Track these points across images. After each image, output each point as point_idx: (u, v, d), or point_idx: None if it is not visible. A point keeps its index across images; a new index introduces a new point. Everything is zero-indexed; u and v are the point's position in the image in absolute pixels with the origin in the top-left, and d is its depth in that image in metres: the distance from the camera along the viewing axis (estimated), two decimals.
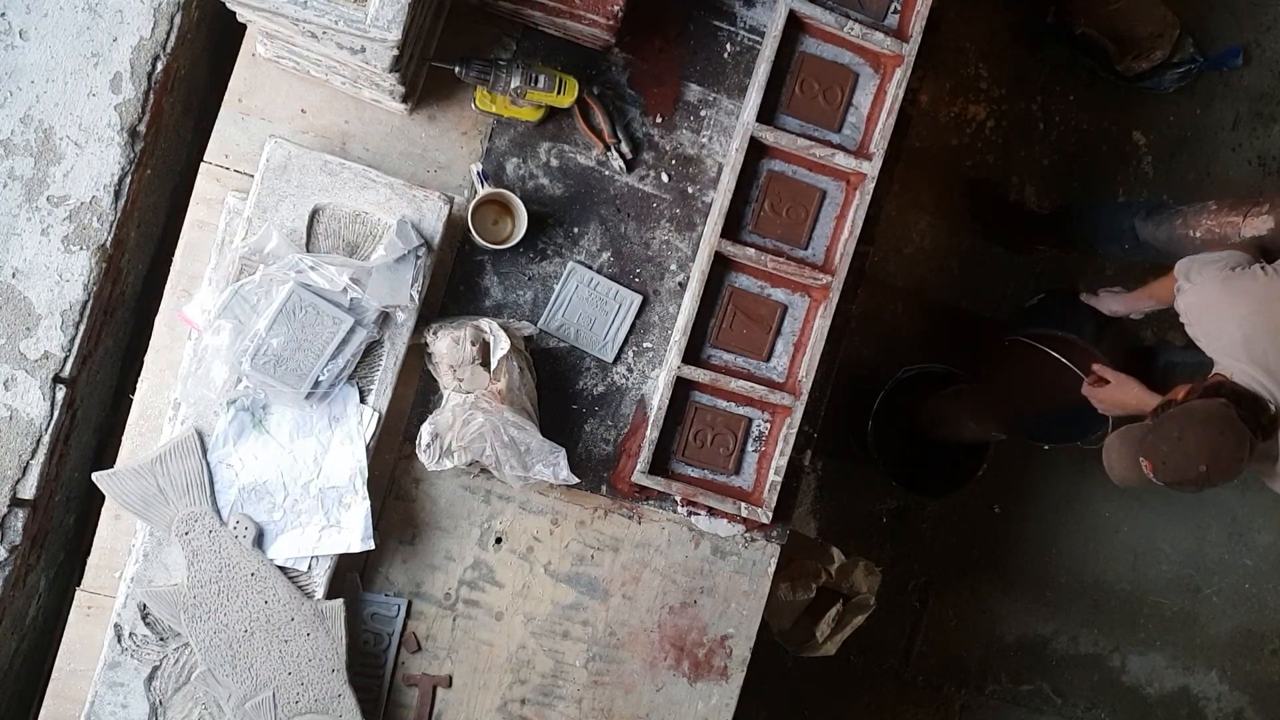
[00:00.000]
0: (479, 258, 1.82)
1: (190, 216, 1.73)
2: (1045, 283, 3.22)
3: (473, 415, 1.67)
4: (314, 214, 1.64)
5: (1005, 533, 3.30)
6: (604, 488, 1.88)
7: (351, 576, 1.78)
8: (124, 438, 1.73)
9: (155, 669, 1.66)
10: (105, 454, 1.90)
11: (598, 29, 1.71)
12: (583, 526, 1.89)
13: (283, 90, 1.74)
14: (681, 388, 1.86)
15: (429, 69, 1.74)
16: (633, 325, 1.87)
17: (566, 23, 1.72)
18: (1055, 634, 3.38)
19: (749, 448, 1.92)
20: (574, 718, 1.90)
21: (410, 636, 1.83)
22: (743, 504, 1.87)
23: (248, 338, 1.58)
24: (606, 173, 1.86)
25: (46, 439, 1.67)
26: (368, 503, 1.68)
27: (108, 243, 1.68)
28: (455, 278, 1.81)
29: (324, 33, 1.48)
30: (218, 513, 1.64)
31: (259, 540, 1.65)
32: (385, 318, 1.66)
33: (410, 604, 1.82)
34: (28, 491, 1.67)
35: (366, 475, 1.68)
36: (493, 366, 1.69)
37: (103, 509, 1.73)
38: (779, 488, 1.88)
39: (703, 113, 1.88)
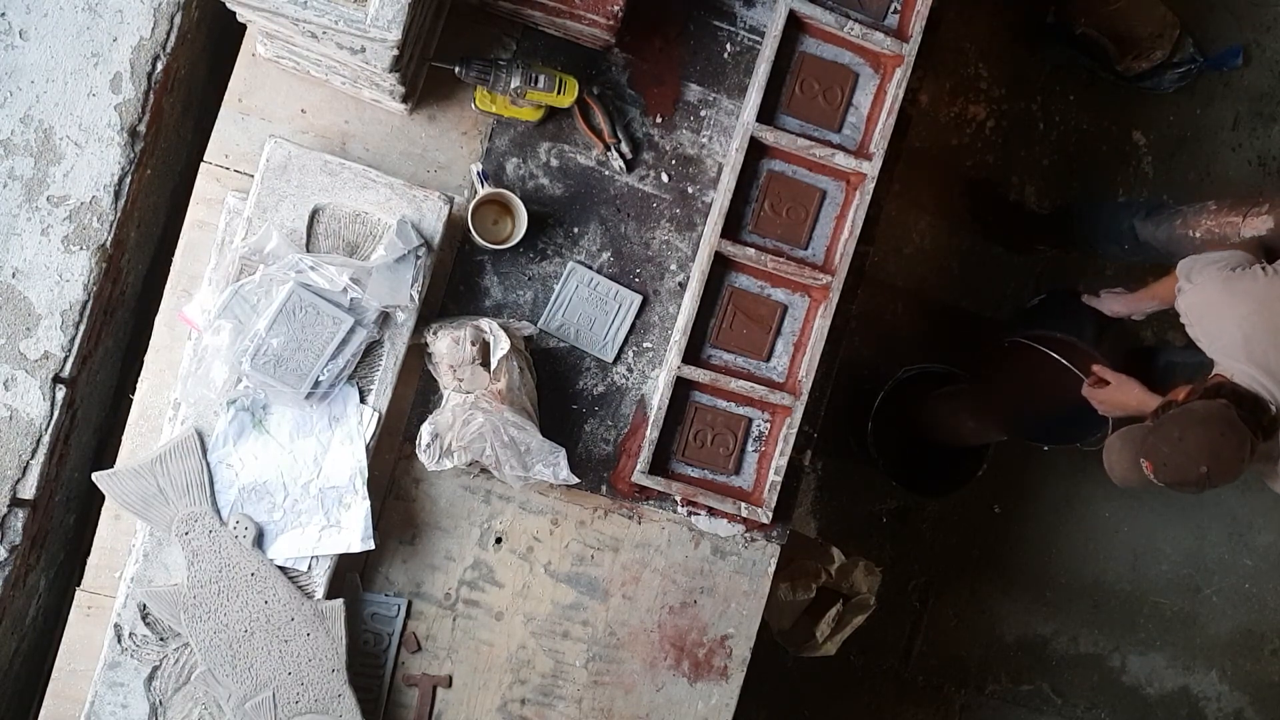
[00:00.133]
0: (479, 258, 1.82)
1: (190, 216, 1.73)
2: (1045, 283, 3.22)
3: (473, 415, 1.67)
4: (314, 214, 1.64)
5: (1005, 533, 3.31)
6: (604, 488, 1.88)
7: (351, 576, 1.78)
8: (124, 438, 1.73)
9: (155, 669, 1.66)
10: (105, 454, 1.90)
11: (598, 29, 1.71)
12: (583, 526, 1.89)
13: (283, 90, 1.74)
14: (681, 388, 1.86)
15: (429, 69, 1.74)
16: (633, 325, 1.87)
17: (566, 23, 1.72)
18: (1055, 634, 3.38)
19: (749, 448, 1.92)
20: (574, 718, 1.90)
21: (410, 636, 1.83)
22: (743, 504, 1.87)
23: (248, 338, 1.58)
24: (606, 173, 1.86)
25: (46, 439, 1.67)
26: (368, 503, 1.68)
27: (108, 243, 1.68)
28: (455, 278, 1.81)
29: (324, 33, 1.48)
30: (218, 513, 1.64)
31: (259, 540, 1.65)
32: (385, 318, 1.66)
33: (410, 604, 1.82)
34: (28, 491, 1.67)
35: (366, 475, 1.68)
36: (493, 366, 1.69)
37: (103, 509, 1.73)
38: (779, 488, 1.88)
39: (703, 113, 1.88)
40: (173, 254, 1.74)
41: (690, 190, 1.89)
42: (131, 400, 1.74)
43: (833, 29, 1.82)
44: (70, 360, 1.68)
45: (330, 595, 1.70)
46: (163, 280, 1.74)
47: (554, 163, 1.84)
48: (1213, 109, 3.33)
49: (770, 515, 1.87)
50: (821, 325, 1.86)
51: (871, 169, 1.84)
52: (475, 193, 1.76)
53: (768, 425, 1.91)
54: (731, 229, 1.84)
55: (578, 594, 1.89)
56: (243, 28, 1.69)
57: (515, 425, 1.67)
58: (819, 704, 3.19)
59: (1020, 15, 3.19)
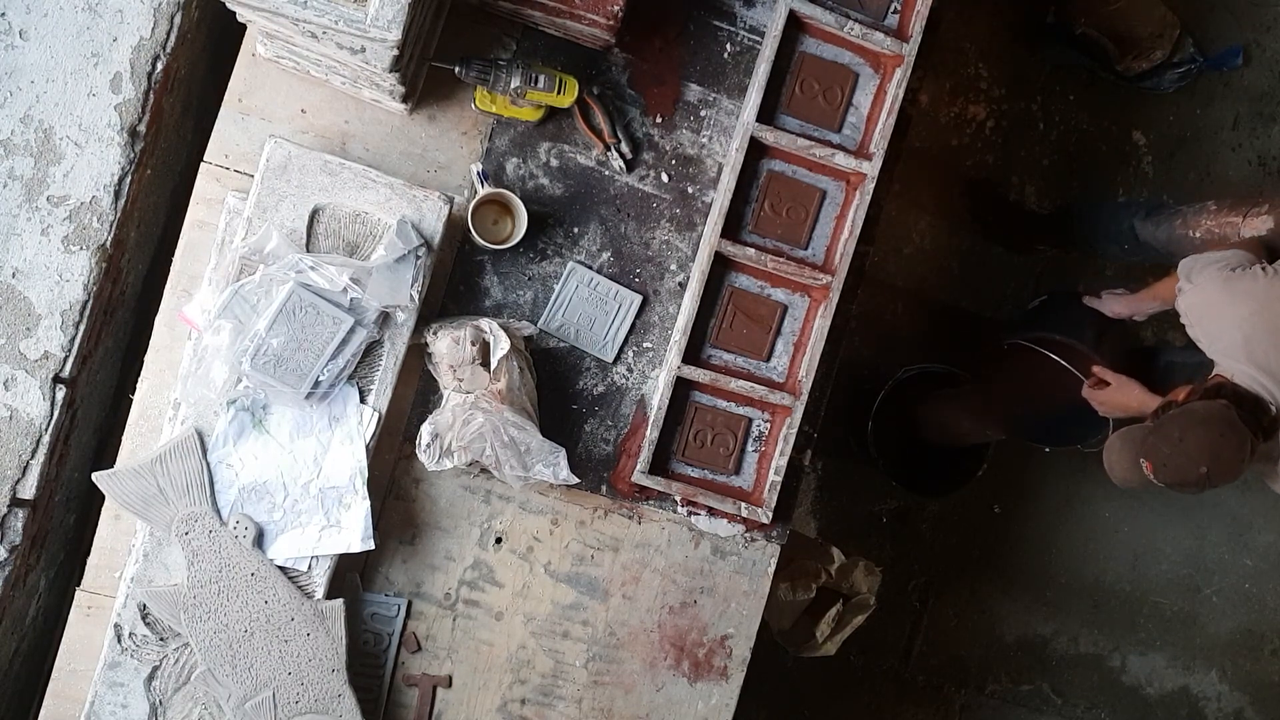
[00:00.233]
0: (479, 258, 1.82)
1: (190, 216, 1.73)
2: (1045, 283, 3.22)
3: (473, 415, 1.67)
4: (314, 214, 1.64)
5: (1005, 533, 3.30)
6: (604, 488, 1.88)
7: (351, 576, 1.78)
8: (124, 438, 1.73)
9: (155, 669, 1.66)
10: (105, 454, 1.90)
11: (598, 29, 1.71)
12: (583, 526, 1.89)
13: (283, 90, 1.74)
14: (681, 388, 1.86)
15: (429, 69, 1.74)
16: (633, 325, 1.87)
17: (566, 23, 1.72)
18: (1055, 634, 3.38)
19: (749, 448, 1.92)
20: (574, 718, 1.90)
21: (410, 636, 1.83)
22: (743, 504, 1.87)
23: (248, 338, 1.58)
24: (606, 173, 1.86)
25: (46, 439, 1.67)
26: (368, 503, 1.68)
27: (108, 243, 1.68)
28: (455, 278, 1.81)
29: (324, 33, 1.48)
30: (218, 513, 1.64)
31: (259, 540, 1.65)
32: (385, 318, 1.66)
33: (410, 604, 1.82)
34: (28, 491, 1.67)
35: (366, 475, 1.68)
36: (493, 366, 1.69)
37: (103, 509, 1.73)
38: (779, 488, 1.88)
39: (703, 113, 1.88)
40: (173, 254, 1.74)
41: (690, 190, 1.89)
42: (131, 400, 1.74)
43: (833, 29, 1.82)
44: (70, 360, 1.68)
45: (330, 595, 1.70)
46: (163, 280, 1.74)
47: (554, 163, 1.84)
48: (1213, 109, 3.33)
49: (770, 515, 1.87)
50: (821, 325, 1.86)
51: (871, 169, 1.84)
52: (475, 193, 1.76)
53: (768, 425, 1.91)
54: (731, 229, 1.84)
55: (578, 594, 1.89)
56: (243, 28, 1.69)
57: (515, 425, 1.67)
58: (819, 704, 3.19)
59: (1020, 15, 3.19)
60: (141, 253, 1.86)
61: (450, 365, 1.70)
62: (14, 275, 1.65)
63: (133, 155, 1.68)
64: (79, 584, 1.74)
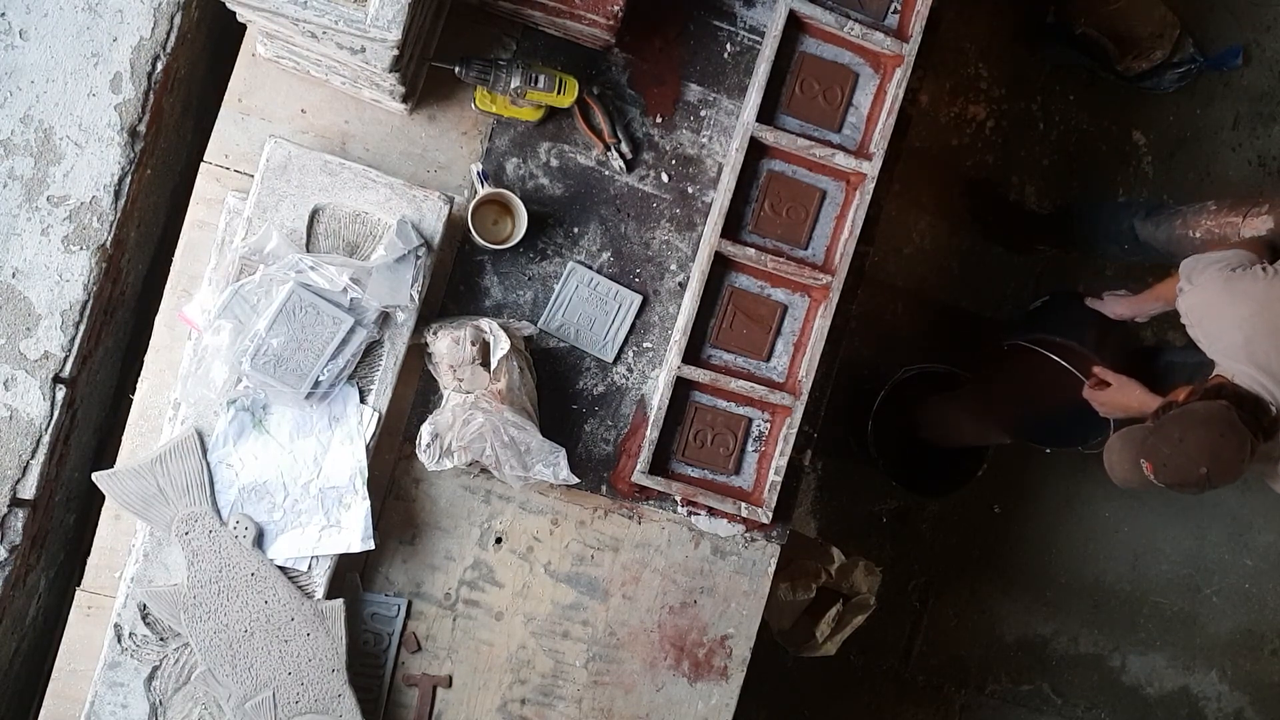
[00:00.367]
0: (479, 258, 1.82)
1: (190, 216, 1.73)
2: (1045, 283, 3.22)
3: (473, 415, 1.67)
4: (314, 214, 1.64)
5: (1005, 533, 3.30)
6: (604, 488, 1.88)
7: (351, 576, 1.78)
8: (124, 438, 1.73)
9: (155, 669, 1.66)
10: (105, 454, 1.90)
11: (598, 29, 1.71)
12: (583, 526, 1.89)
13: (283, 90, 1.74)
14: (681, 388, 1.86)
15: (429, 69, 1.74)
16: (633, 325, 1.87)
17: (566, 23, 1.72)
18: (1055, 634, 3.38)
19: (749, 448, 1.92)
20: (574, 718, 1.90)
21: (410, 636, 1.83)
22: (743, 504, 1.87)
23: (248, 338, 1.58)
24: (606, 173, 1.86)
25: (46, 439, 1.67)
26: (368, 503, 1.68)
27: (108, 243, 1.68)
28: (455, 278, 1.81)
29: (324, 33, 1.48)
30: (218, 513, 1.64)
31: (259, 540, 1.65)
32: (385, 318, 1.66)
33: (410, 604, 1.82)
34: (28, 491, 1.67)
35: (366, 475, 1.68)
36: (493, 366, 1.69)
37: (103, 509, 1.73)
38: (779, 488, 1.88)
39: (703, 113, 1.88)
40: (173, 254, 1.74)
41: (690, 190, 1.89)
42: (131, 400, 1.74)
43: (833, 29, 1.82)
44: (70, 360, 1.68)
45: (330, 595, 1.70)
46: (163, 280, 1.74)
47: (554, 163, 1.84)
48: (1213, 109, 3.33)
49: (770, 515, 1.87)
50: (821, 325, 1.86)
51: (871, 169, 1.84)
52: (475, 193, 1.76)
53: (768, 425, 1.91)
54: (731, 229, 1.84)
55: (578, 594, 1.89)
56: (243, 28, 1.69)
57: (515, 425, 1.67)
58: (819, 704, 3.19)
59: (1020, 15, 3.19)
60: (141, 253, 1.86)
61: (450, 365, 1.70)
62: (14, 275, 1.65)
63: (133, 155, 1.68)
64: (79, 584, 1.74)
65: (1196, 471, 1.78)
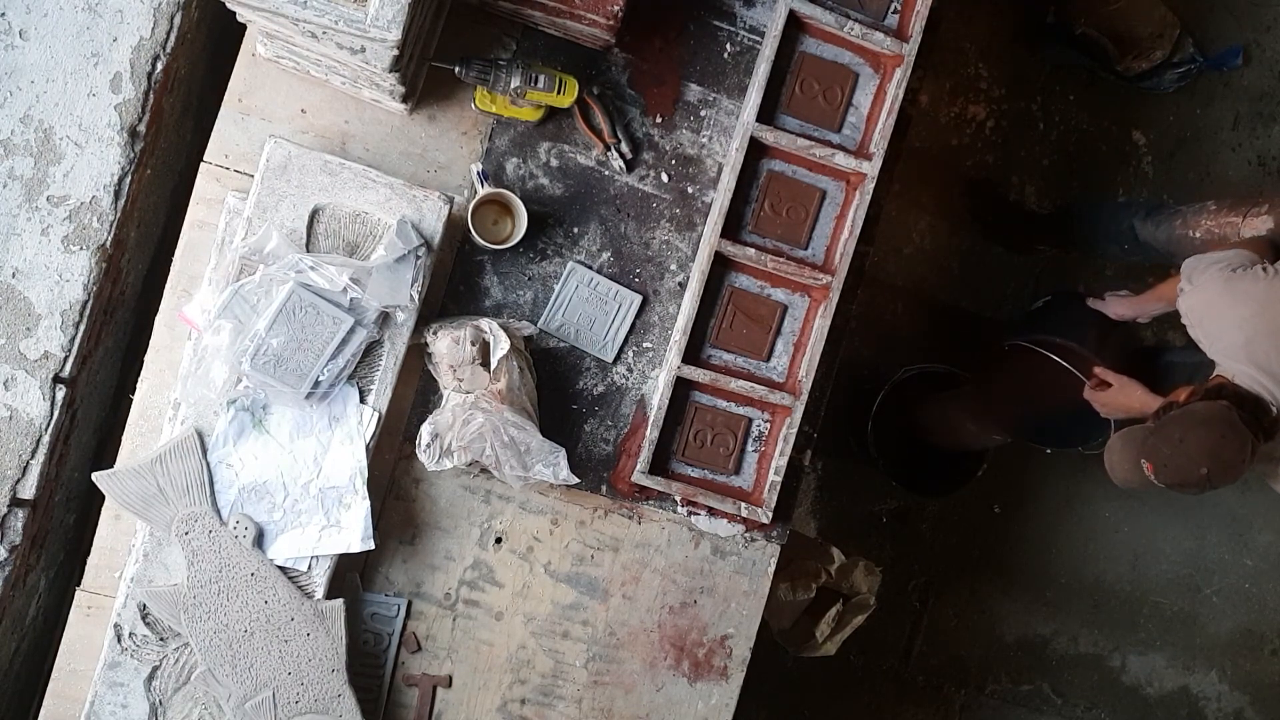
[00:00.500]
0: (479, 258, 1.82)
1: (190, 216, 1.73)
2: (1045, 283, 3.22)
3: (473, 415, 1.67)
4: (314, 214, 1.64)
5: (1005, 533, 3.30)
6: (604, 488, 1.88)
7: (351, 576, 1.78)
8: (124, 438, 1.73)
9: (155, 669, 1.66)
10: (105, 454, 1.90)
11: (598, 29, 1.71)
12: (583, 526, 1.89)
13: (283, 90, 1.74)
14: (681, 388, 1.86)
15: (429, 69, 1.74)
16: (633, 325, 1.87)
17: (566, 23, 1.72)
18: (1055, 634, 3.38)
19: (749, 448, 1.92)
20: (574, 718, 1.90)
21: (410, 636, 1.83)
22: (743, 504, 1.87)
23: (248, 338, 1.58)
24: (606, 173, 1.86)
25: (46, 439, 1.67)
26: (368, 503, 1.68)
27: (108, 243, 1.68)
28: (455, 278, 1.81)
29: (324, 33, 1.48)
30: (218, 513, 1.64)
31: (259, 540, 1.65)
32: (385, 318, 1.66)
33: (410, 604, 1.82)
34: (28, 491, 1.67)
35: (366, 475, 1.68)
36: (493, 366, 1.69)
37: (103, 509, 1.73)
38: (779, 488, 1.88)
39: (703, 113, 1.88)
40: (173, 254, 1.74)
41: (690, 190, 1.89)
42: (131, 400, 1.74)
43: (833, 29, 1.82)
44: (70, 360, 1.68)
45: (330, 595, 1.70)
46: (163, 280, 1.74)
47: (554, 163, 1.84)
48: (1213, 109, 3.33)
49: (770, 515, 1.87)
50: (821, 325, 1.86)
51: (871, 169, 1.84)
52: (475, 193, 1.76)
53: (768, 425, 1.91)
54: (731, 229, 1.84)
55: (578, 594, 1.89)
56: (243, 28, 1.69)
57: (515, 425, 1.67)
58: (819, 704, 3.19)
59: (1020, 15, 3.19)
60: (141, 253, 1.86)
61: (450, 365, 1.70)
62: (14, 275, 1.65)
63: (133, 155, 1.68)
64: (79, 584, 1.73)
65: (1197, 472, 1.78)
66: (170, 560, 1.64)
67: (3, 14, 1.62)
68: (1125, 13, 3.09)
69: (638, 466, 1.83)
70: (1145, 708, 3.47)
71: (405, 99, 1.70)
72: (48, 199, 1.65)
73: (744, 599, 1.96)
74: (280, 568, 1.66)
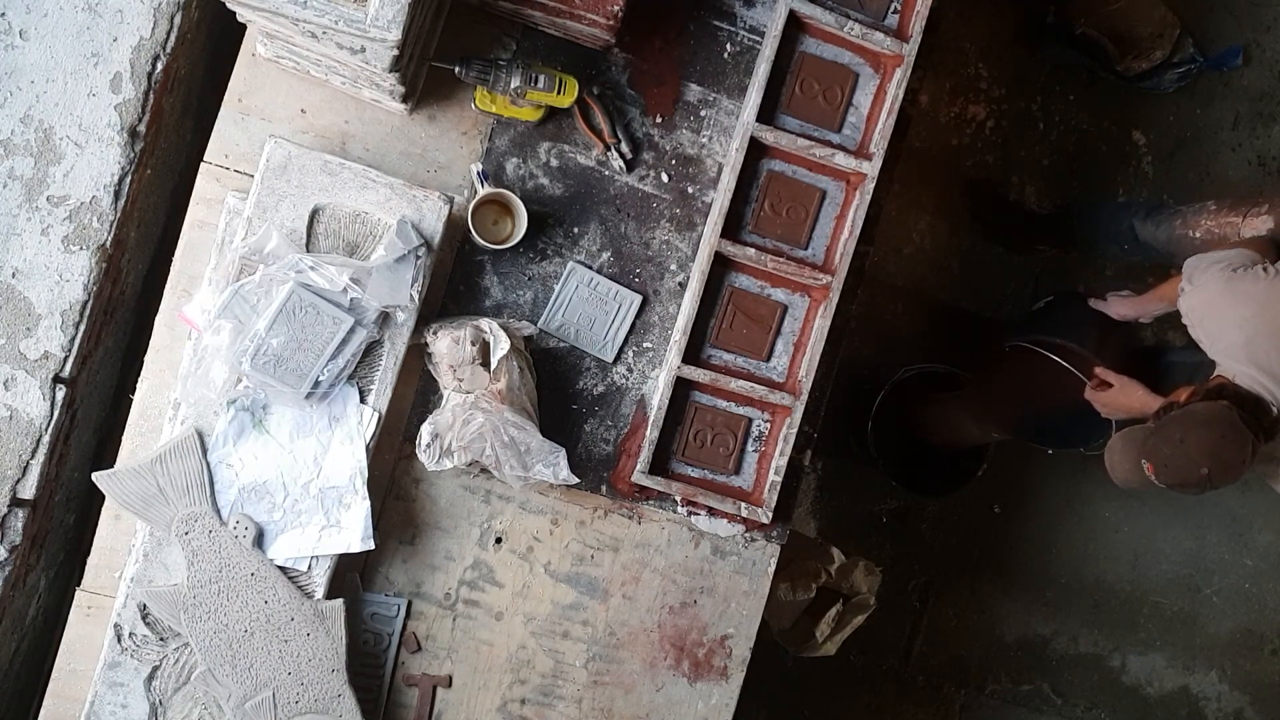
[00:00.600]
0: (479, 258, 1.82)
1: (190, 216, 1.73)
2: (1045, 283, 3.22)
3: (473, 415, 1.67)
4: (314, 214, 1.64)
5: (1005, 533, 3.30)
6: (604, 488, 1.88)
7: (351, 576, 1.78)
8: (124, 438, 1.72)
9: (155, 669, 1.66)
10: (105, 454, 1.90)
11: (598, 29, 1.71)
12: (583, 526, 1.89)
13: (283, 90, 1.74)
14: (681, 388, 1.86)
15: (429, 69, 1.74)
16: (633, 325, 1.87)
17: (566, 23, 1.72)
18: (1055, 634, 3.38)
19: (749, 448, 1.92)
20: (574, 718, 1.90)
21: (410, 636, 1.83)
22: (743, 504, 1.87)
23: (248, 338, 1.58)
24: (606, 173, 1.86)
25: (46, 439, 1.67)
26: (368, 503, 1.68)
27: (108, 243, 1.68)
28: (455, 278, 1.81)
29: (324, 33, 1.48)
30: (218, 513, 1.64)
31: (259, 540, 1.65)
32: (385, 318, 1.66)
33: (410, 604, 1.82)
34: (28, 491, 1.67)
35: (366, 475, 1.68)
36: (493, 366, 1.69)
37: (103, 509, 1.73)
38: (779, 488, 1.88)
39: (703, 113, 1.88)
40: (173, 254, 1.74)
41: (690, 190, 1.89)
42: (131, 400, 1.74)
43: (833, 29, 1.82)
44: (70, 360, 1.68)
45: (330, 595, 1.70)
46: (163, 280, 1.74)
47: (554, 163, 1.84)
48: (1213, 109, 3.33)
49: (770, 515, 1.87)
50: (821, 325, 1.86)
51: (871, 169, 1.84)
52: (475, 193, 1.76)
53: (768, 425, 1.91)
54: (731, 229, 1.84)
55: (578, 594, 1.89)
56: (243, 28, 1.69)
57: (515, 425, 1.67)
58: (819, 704, 3.19)
59: (1020, 15, 3.19)
60: (141, 253, 1.86)
61: (450, 365, 1.70)
62: (14, 275, 1.65)
63: (133, 155, 1.68)
64: (79, 584, 1.73)
65: (1198, 472, 1.78)
66: (170, 560, 1.64)
67: (3, 14, 1.62)
68: (1125, 13, 3.09)
69: (638, 466, 1.83)
70: (1145, 708, 3.47)
71: (405, 99, 1.70)
72: (48, 199, 1.65)
73: (744, 599, 1.96)
74: (280, 568, 1.66)
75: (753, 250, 1.83)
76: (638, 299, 1.87)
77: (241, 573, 1.64)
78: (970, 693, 3.33)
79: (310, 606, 1.67)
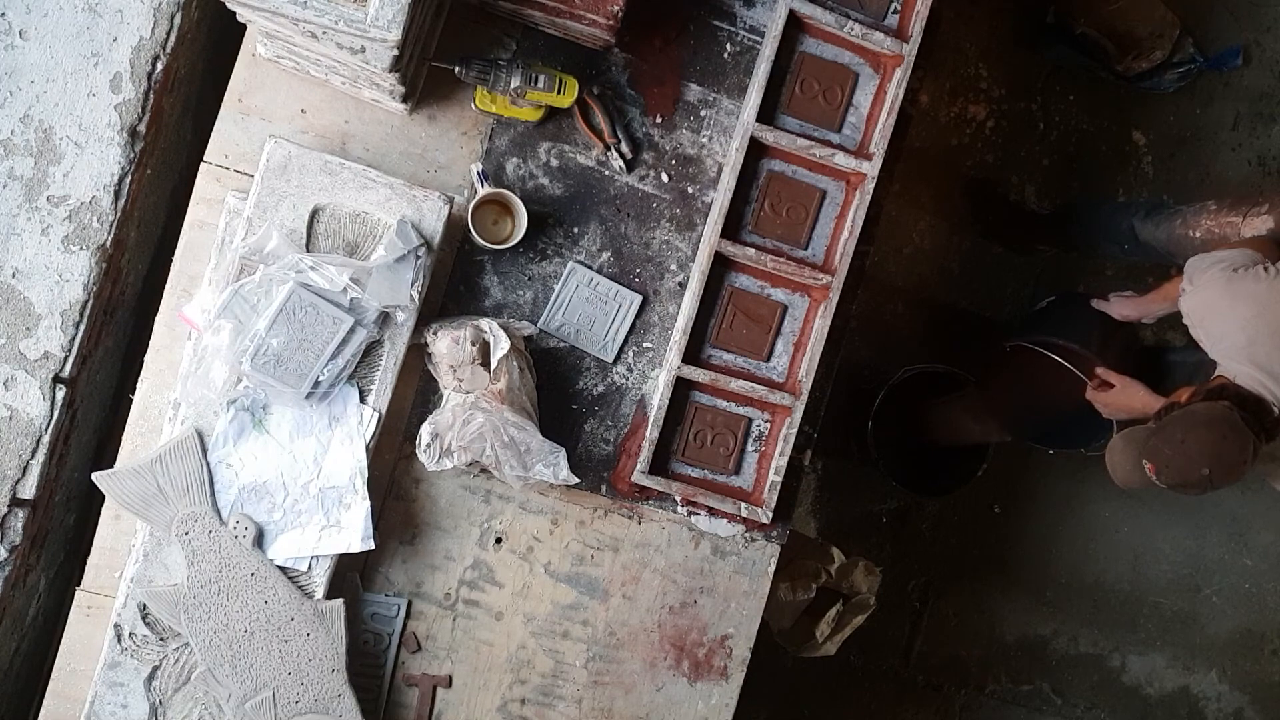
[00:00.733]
0: (479, 258, 1.82)
1: (190, 216, 1.73)
2: (1045, 283, 3.22)
3: (473, 415, 1.67)
4: (314, 214, 1.64)
5: (1005, 533, 3.30)
6: (604, 488, 1.88)
7: (351, 576, 1.78)
8: (124, 438, 1.72)
9: (155, 669, 1.66)
10: (105, 454, 1.90)
11: (598, 29, 1.71)
12: (583, 526, 1.89)
13: (283, 90, 1.74)
14: (681, 388, 1.86)
15: (429, 69, 1.74)
16: (633, 325, 1.87)
17: (566, 23, 1.72)
18: (1055, 634, 3.38)
19: (749, 448, 1.92)
20: (574, 718, 1.90)
21: (410, 636, 1.83)
22: (743, 504, 1.87)
23: (248, 338, 1.58)
24: (606, 173, 1.86)
25: (46, 439, 1.67)
26: (368, 503, 1.68)
27: (108, 243, 1.68)
28: (455, 278, 1.81)
29: (324, 33, 1.48)
30: (218, 513, 1.64)
31: (259, 540, 1.65)
32: (385, 318, 1.66)
33: (410, 604, 1.82)
34: (28, 491, 1.67)
35: (366, 475, 1.68)
36: (493, 366, 1.69)
37: (103, 509, 1.73)
38: (779, 488, 1.88)
39: (703, 113, 1.88)
40: (173, 254, 1.74)
41: (690, 190, 1.89)
42: (131, 400, 1.74)
43: (833, 29, 1.82)
44: (70, 360, 1.68)
45: (330, 595, 1.70)
46: (163, 280, 1.74)
47: (554, 163, 1.84)
48: (1213, 109, 3.33)
49: (770, 515, 1.87)
50: (821, 325, 1.86)
51: (871, 169, 1.84)
52: (475, 193, 1.76)
53: (768, 425, 1.91)
54: (731, 229, 1.84)
55: (578, 594, 1.89)
56: (243, 28, 1.69)
57: (515, 425, 1.67)
58: (819, 704, 3.19)
59: (1020, 15, 3.19)
60: (141, 253, 1.86)
61: (450, 365, 1.70)
62: (14, 275, 1.65)
63: (133, 155, 1.68)
64: (79, 584, 1.73)
65: (1199, 472, 1.78)
66: (170, 560, 1.64)
67: (3, 14, 1.62)
68: (1125, 13, 3.09)
69: (638, 466, 1.83)
70: (1145, 708, 3.47)
71: (405, 99, 1.70)
72: (48, 199, 1.65)
73: (744, 599, 1.96)
74: (280, 568, 1.66)
75: (753, 250, 1.83)
76: (638, 299, 1.87)
77: (241, 573, 1.64)
78: (970, 693, 3.33)
79: (310, 606, 1.67)
